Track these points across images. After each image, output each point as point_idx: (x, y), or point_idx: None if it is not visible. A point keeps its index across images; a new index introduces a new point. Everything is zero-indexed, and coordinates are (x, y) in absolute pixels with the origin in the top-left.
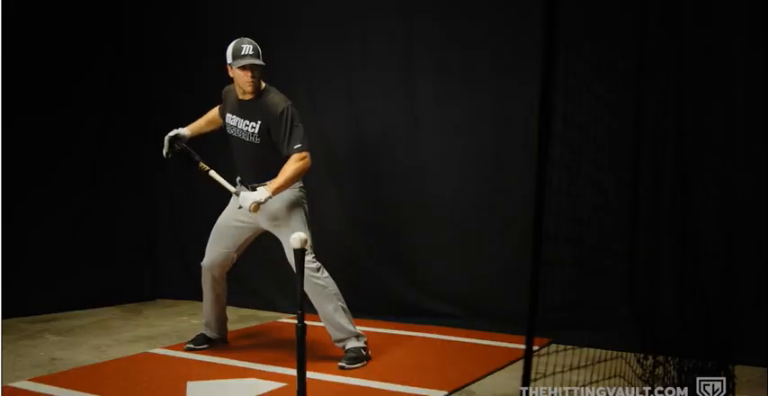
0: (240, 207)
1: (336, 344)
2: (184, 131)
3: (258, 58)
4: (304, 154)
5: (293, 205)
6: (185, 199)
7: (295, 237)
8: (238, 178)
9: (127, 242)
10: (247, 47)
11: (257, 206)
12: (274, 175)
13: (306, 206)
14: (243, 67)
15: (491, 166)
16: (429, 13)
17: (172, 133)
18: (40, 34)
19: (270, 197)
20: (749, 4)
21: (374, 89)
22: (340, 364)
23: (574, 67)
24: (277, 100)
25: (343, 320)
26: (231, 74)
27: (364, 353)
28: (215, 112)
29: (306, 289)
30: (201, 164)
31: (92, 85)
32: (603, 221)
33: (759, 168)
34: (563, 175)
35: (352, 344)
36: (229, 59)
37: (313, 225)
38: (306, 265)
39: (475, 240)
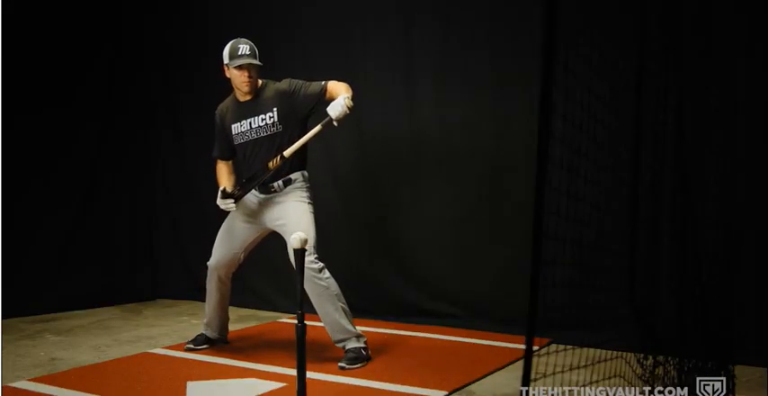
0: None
1: (337, 344)
2: (224, 187)
3: (255, 57)
4: (331, 81)
5: (299, 204)
6: (185, 199)
7: (295, 237)
8: (243, 181)
9: (127, 242)
10: (244, 47)
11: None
12: (294, 170)
13: (312, 206)
14: (239, 67)
15: (491, 165)
16: (429, 13)
17: (220, 193)
18: (40, 34)
19: (348, 97)
20: (750, 4)
21: (374, 89)
22: (340, 364)
23: (574, 67)
24: (279, 82)
25: (344, 321)
26: (228, 74)
27: (364, 353)
28: (219, 162)
29: (307, 289)
30: (269, 164)
31: (92, 85)
32: (603, 221)
33: (759, 168)
34: (563, 175)
35: (352, 344)
36: (226, 60)
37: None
38: (308, 266)
39: (475, 240)
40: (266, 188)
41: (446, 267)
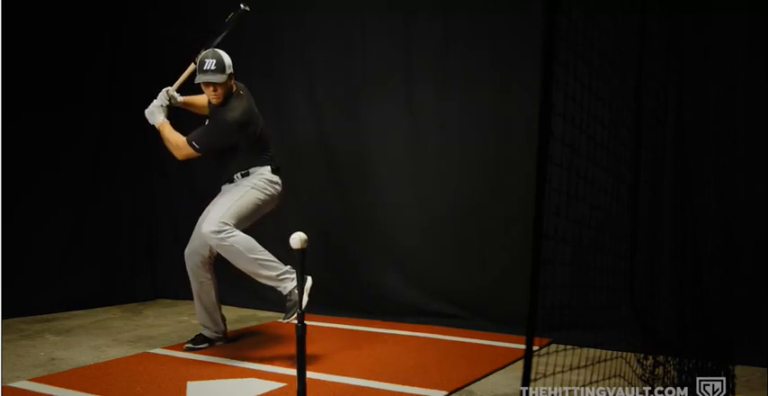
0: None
1: (279, 290)
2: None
3: (220, 72)
4: (188, 149)
5: (239, 188)
6: (185, 199)
7: (295, 237)
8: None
9: (127, 242)
10: (210, 62)
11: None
12: (239, 170)
13: (258, 192)
14: (205, 83)
15: (491, 165)
16: (430, 13)
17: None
18: (42, 31)
19: (156, 122)
20: (749, 4)
21: (374, 88)
22: (283, 320)
23: (574, 67)
24: (230, 108)
25: (262, 270)
26: None
27: (297, 292)
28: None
29: (221, 253)
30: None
31: (92, 84)
32: (603, 221)
33: (759, 168)
34: (563, 175)
35: (286, 289)
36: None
37: (313, 225)
38: (209, 232)
39: (475, 240)
40: (230, 179)
41: (446, 267)
